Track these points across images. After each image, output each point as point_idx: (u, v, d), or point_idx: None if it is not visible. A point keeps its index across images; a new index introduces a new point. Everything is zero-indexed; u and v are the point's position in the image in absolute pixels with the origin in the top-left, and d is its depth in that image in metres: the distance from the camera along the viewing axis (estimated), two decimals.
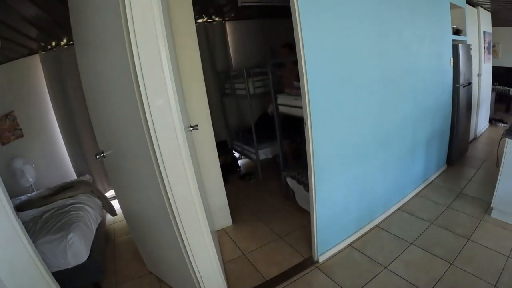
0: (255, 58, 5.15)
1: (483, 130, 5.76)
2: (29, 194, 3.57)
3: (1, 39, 2.74)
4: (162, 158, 1.70)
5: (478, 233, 2.66)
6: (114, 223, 3.76)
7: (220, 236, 3.11)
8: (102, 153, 2.16)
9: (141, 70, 1.55)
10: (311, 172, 2.31)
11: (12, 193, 1.63)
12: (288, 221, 3.24)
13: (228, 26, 4.95)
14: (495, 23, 5.79)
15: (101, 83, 1.94)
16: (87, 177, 4.08)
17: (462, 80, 3.90)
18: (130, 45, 1.52)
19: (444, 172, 4.08)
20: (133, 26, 1.49)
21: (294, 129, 3.86)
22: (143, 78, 1.56)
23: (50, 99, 4.01)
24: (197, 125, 2.30)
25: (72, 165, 4.28)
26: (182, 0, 2.59)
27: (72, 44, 3.79)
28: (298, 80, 2.19)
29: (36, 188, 3.77)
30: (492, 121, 6.25)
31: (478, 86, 5.06)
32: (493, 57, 6.15)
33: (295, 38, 2.06)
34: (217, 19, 4.75)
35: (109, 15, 1.61)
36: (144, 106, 1.61)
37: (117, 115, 1.93)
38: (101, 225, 3.14)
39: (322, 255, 2.58)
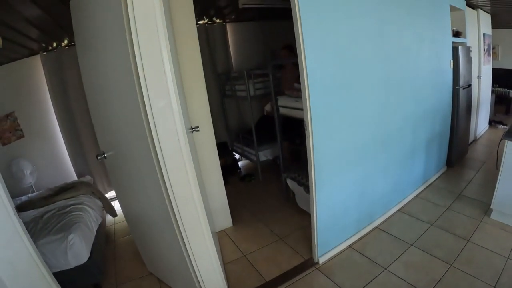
0: (256, 60, 5.16)
1: (482, 132, 5.78)
2: (29, 195, 3.57)
3: (2, 40, 2.75)
4: (163, 159, 1.71)
5: (477, 235, 2.67)
6: (114, 224, 3.77)
7: (220, 237, 3.11)
8: (103, 154, 2.16)
9: (143, 71, 1.56)
10: (311, 173, 2.32)
11: (12, 194, 1.63)
12: (288, 223, 3.25)
13: (229, 27, 4.97)
14: (495, 25, 5.81)
15: (103, 84, 1.95)
16: (87, 178, 4.08)
17: (462, 82, 3.91)
18: (133, 46, 1.53)
19: (444, 173, 4.09)
20: (135, 27, 1.51)
21: (293, 131, 3.87)
22: (145, 79, 1.57)
23: (51, 99, 4.01)
24: (198, 127, 2.30)
25: (73, 166, 4.29)
26: (183, 1, 2.60)
27: (73, 45, 3.83)
28: (298, 82, 2.20)
29: (37, 188, 3.77)
30: (492, 123, 6.26)
31: (478, 88, 5.08)
32: (493, 59, 6.16)
33: (296, 40, 2.07)
34: (217, 20, 4.76)
35: (111, 16, 1.62)
36: (146, 107, 1.62)
37: (119, 116, 1.93)
38: (102, 226, 3.15)
39: (322, 257, 2.59)
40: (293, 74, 3.76)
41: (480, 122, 5.53)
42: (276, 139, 3.53)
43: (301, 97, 2.23)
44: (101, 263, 2.69)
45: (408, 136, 3.17)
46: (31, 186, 3.72)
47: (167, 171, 1.74)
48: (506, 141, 2.59)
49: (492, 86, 6.05)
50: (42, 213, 2.83)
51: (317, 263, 2.57)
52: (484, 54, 5.25)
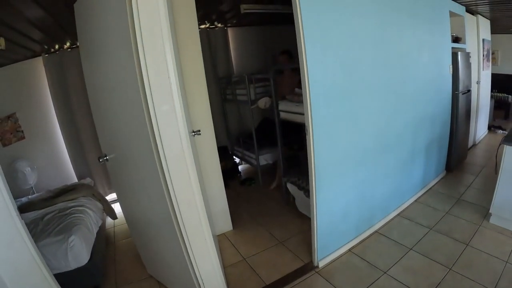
0: (257, 64, 5.19)
1: (482, 137, 5.80)
2: (29, 196, 3.58)
3: (5, 41, 2.76)
4: (166, 163, 1.72)
5: (476, 239, 2.68)
6: (114, 226, 3.77)
7: (220, 241, 3.11)
8: (105, 156, 2.17)
9: (147, 75, 1.58)
10: (311, 177, 2.33)
11: (12, 195, 1.63)
12: (288, 226, 3.25)
13: (230, 32, 4.99)
14: (494, 30, 5.85)
15: (106, 87, 1.97)
16: (88, 180, 4.09)
17: (461, 87, 3.94)
18: (137, 49, 1.55)
19: (443, 178, 4.10)
20: (140, 32, 1.52)
21: (292, 136, 3.88)
22: (149, 83, 1.59)
23: (52, 101, 4.03)
24: (199, 130, 2.31)
25: (73, 168, 4.29)
26: (186, 6, 2.63)
27: (75, 47, 3.85)
28: (299, 87, 2.22)
29: (37, 190, 3.77)
30: (491, 128, 6.29)
31: (477, 93, 5.10)
32: (492, 64, 6.20)
33: (298, 44, 2.09)
34: (219, 25, 4.79)
35: (116, 20, 1.64)
36: (150, 111, 1.63)
37: (122, 119, 1.95)
38: (102, 228, 3.16)
39: (322, 260, 2.59)
40: (292, 80, 3.79)
41: (479, 127, 5.56)
42: (276, 143, 3.54)
43: (302, 102, 2.25)
44: (101, 265, 2.70)
45: (408, 141, 3.19)
46: (32, 187, 3.72)
47: (169, 174, 1.75)
48: (505, 146, 2.61)
49: (492, 91, 6.09)
50: (43, 215, 2.84)
51: (317, 266, 2.58)
52: (483, 59, 5.28)
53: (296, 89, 3.25)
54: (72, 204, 3.01)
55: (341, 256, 2.70)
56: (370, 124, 2.69)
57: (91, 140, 4.05)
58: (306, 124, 2.24)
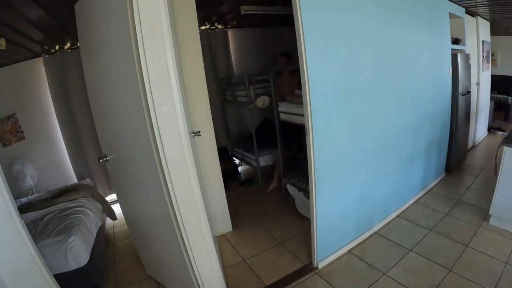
0: (257, 66, 5.20)
1: (481, 138, 5.80)
2: (29, 197, 3.58)
3: (5, 41, 2.76)
4: (166, 163, 1.72)
5: (476, 240, 2.68)
6: (114, 227, 3.76)
7: (220, 242, 3.11)
8: (106, 157, 2.18)
9: (148, 75, 1.58)
10: (311, 179, 2.33)
11: (12, 195, 1.64)
12: (288, 228, 3.25)
13: (230, 33, 5.01)
14: (494, 32, 5.86)
15: (107, 88, 1.97)
16: (88, 181, 4.09)
17: (461, 88, 3.94)
18: (138, 49, 1.55)
19: (443, 179, 4.10)
20: (141, 33, 1.53)
21: (292, 138, 3.88)
22: (149, 83, 1.59)
23: (52, 102, 4.03)
24: (199, 131, 2.32)
25: (73, 169, 4.29)
26: (186, 6, 2.63)
27: (76, 48, 3.85)
28: (299, 88, 2.22)
29: (37, 190, 3.77)
30: (491, 129, 6.30)
31: (477, 94, 5.11)
32: (492, 66, 6.21)
33: (298, 45, 2.09)
34: (219, 26, 4.80)
35: (116, 21, 1.64)
36: (150, 112, 1.64)
37: (122, 120, 1.95)
38: (102, 229, 3.15)
39: (322, 261, 2.59)
40: (291, 81, 3.80)
41: (479, 129, 5.56)
42: (276, 144, 3.54)
43: (302, 103, 2.25)
44: (101, 266, 2.69)
45: (407, 142, 3.19)
46: (31, 188, 3.72)
47: (169, 175, 1.75)
48: (505, 147, 2.62)
49: (491, 92, 6.10)
50: (42, 215, 2.84)
51: (317, 268, 2.58)
52: (483, 61, 5.29)
53: (296, 90, 3.26)
54: (72, 205, 3.01)
55: (340, 257, 2.70)
56: (370, 125, 2.69)
57: (91, 141, 4.05)
58: (306, 126, 2.24)
